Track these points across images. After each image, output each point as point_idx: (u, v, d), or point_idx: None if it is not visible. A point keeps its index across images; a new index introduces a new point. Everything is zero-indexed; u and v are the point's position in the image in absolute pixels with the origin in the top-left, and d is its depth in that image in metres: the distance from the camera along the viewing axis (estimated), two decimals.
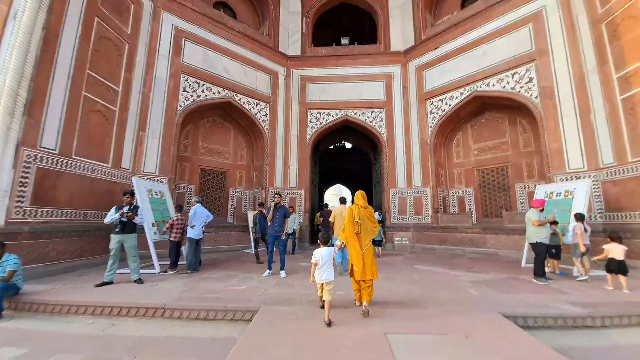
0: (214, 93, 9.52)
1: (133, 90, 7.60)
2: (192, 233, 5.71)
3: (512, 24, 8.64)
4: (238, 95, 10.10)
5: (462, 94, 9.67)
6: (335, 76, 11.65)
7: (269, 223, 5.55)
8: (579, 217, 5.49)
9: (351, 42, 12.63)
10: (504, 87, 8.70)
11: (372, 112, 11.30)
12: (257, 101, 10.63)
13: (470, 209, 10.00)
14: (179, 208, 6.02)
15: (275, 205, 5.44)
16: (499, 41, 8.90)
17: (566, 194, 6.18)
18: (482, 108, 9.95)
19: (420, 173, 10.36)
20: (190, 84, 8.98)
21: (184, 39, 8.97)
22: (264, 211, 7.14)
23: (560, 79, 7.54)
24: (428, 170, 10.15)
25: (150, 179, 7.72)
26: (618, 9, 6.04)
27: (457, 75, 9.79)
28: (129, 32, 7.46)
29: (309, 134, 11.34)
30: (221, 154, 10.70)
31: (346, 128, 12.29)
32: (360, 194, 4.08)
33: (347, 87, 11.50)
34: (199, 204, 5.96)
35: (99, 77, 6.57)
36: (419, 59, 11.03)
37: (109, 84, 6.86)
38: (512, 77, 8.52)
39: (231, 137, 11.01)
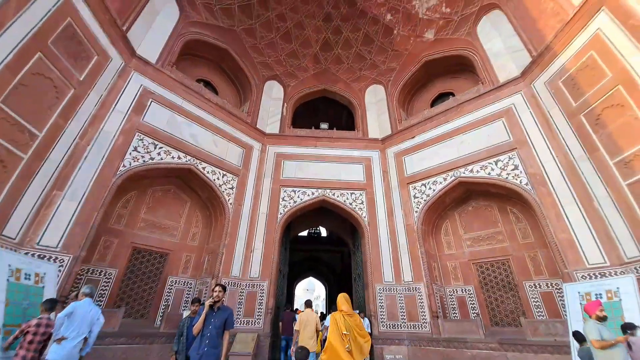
0: (173, 157, 8.19)
1: (62, 139, 6.05)
2: (56, 353, 3.19)
3: (485, 118, 8.99)
4: (202, 163, 8.83)
5: (445, 179, 9.18)
6: (313, 155, 11.10)
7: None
8: (626, 327, 3.96)
9: (330, 128, 12.80)
10: (489, 174, 8.32)
11: (351, 193, 10.34)
12: (224, 172, 9.36)
13: (475, 314, 8.04)
14: (49, 304, 3.60)
15: (212, 306, 3.30)
16: (475, 132, 9.05)
17: (609, 295, 4.77)
18: (467, 195, 9.37)
19: (409, 265, 8.69)
20: (145, 144, 7.67)
21: (150, 100, 8.17)
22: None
23: (548, 166, 7.26)
24: (419, 262, 8.55)
25: (44, 257, 5.34)
26: (596, 101, 6.21)
27: (437, 162, 9.51)
28: (81, 79, 6.47)
29: (281, 213, 9.80)
30: (167, 230, 8.55)
31: (322, 211, 11.03)
32: (343, 297, 3.24)
33: (325, 166, 10.83)
34: (86, 299, 3.62)
35: (12, 114, 5.08)
36: (397, 146, 11.01)
37: (26, 124, 5.34)
38: (496, 164, 8.26)
39: (185, 210, 9.13)
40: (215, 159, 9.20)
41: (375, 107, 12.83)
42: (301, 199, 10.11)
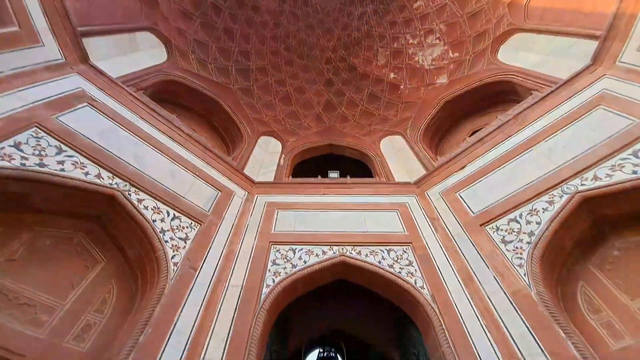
0: (87, 174, 4.86)
1: None
2: None
3: (581, 108, 5.98)
4: (139, 193, 5.36)
5: (551, 203, 5.35)
6: (321, 203, 7.60)
7: None
8: None
9: (341, 176, 9.74)
10: (636, 172, 4.68)
11: (388, 250, 6.17)
12: (177, 214, 5.69)
13: None
14: None
15: None
16: (572, 127, 5.94)
17: None
18: (600, 229, 5.26)
19: None
20: (40, 145, 4.58)
21: (85, 104, 5.67)
22: None
23: None
24: None
25: None
26: None
27: (524, 182, 5.92)
28: None
29: (268, 285, 5.40)
30: (32, 310, 4.11)
31: (342, 288, 6.50)
32: None
33: (341, 216, 7.12)
34: None
35: None
36: (441, 184, 7.65)
37: None
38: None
39: (89, 278, 4.86)
40: (164, 192, 5.76)
41: (397, 156, 10.26)
42: (304, 262, 5.89)
